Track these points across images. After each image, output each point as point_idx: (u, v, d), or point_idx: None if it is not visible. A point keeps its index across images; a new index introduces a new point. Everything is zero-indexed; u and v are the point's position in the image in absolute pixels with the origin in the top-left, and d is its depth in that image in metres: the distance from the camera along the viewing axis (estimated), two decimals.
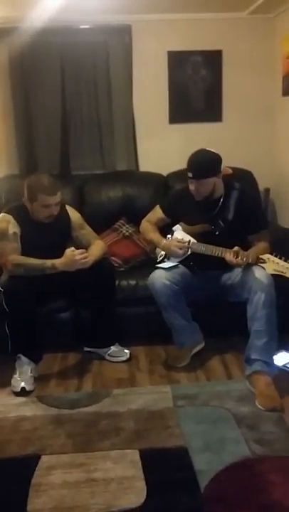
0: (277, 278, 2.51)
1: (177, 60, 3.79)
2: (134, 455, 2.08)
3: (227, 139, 3.77)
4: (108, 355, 2.97)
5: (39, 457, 2.10)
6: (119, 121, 3.88)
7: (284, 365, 2.69)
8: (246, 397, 2.48)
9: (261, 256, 2.55)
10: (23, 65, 3.67)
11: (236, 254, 2.57)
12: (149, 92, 3.83)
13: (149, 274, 2.82)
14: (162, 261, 2.90)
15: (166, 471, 1.99)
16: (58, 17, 3.29)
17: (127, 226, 3.47)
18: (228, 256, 2.60)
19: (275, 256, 2.51)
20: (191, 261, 2.81)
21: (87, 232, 2.99)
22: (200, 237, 2.80)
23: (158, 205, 3.07)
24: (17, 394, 2.63)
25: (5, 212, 2.80)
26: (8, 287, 2.63)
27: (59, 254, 2.66)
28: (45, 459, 2.09)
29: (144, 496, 1.85)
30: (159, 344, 3.09)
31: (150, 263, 3.04)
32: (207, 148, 2.73)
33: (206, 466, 1.99)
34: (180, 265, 2.81)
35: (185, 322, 2.82)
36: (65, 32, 3.66)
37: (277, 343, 2.58)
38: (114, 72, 3.80)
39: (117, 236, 3.43)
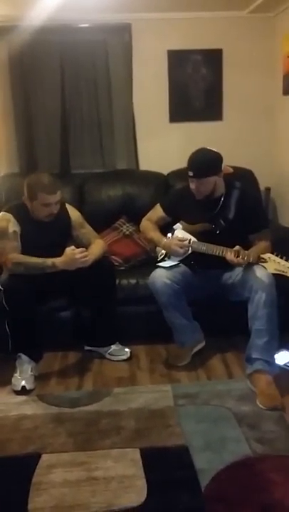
0: (278, 277, 2.51)
1: (177, 59, 3.79)
2: (135, 454, 2.08)
3: (227, 138, 3.76)
4: (109, 354, 2.97)
5: (40, 456, 2.10)
6: (119, 120, 3.88)
7: (285, 364, 2.69)
8: (247, 396, 2.48)
9: (262, 255, 2.55)
10: (22, 64, 3.67)
11: (237, 254, 2.57)
12: (149, 90, 3.83)
13: (149, 273, 2.82)
14: (163, 260, 2.90)
15: (167, 469, 1.99)
16: (58, 16, 3.29)
17: (128, 225, 3.47)
18: (229, 255, 2.59)
19: (276, 255, 2.51)
20: (192, 260, 2.80)
21: (87, 231, 2.99)
22: (201, 236, 2.79)
23: (158, 204, 3.07)
24: (17, 393, 2.62)
25: (5, 211, 2.80)
26: (8, 286, 2.63)
27: (59, 253, 2.65)
28: (45, 458, 2.09)
29: (145, 495, 1.85)
30: (159, 343, 3.09)
31: (150, 262, 3.04)
32: (208, 147, 2.73)
33: (206, 465, 1.99)
34: (181, 264, 2.81)
35: (186, 321, 2.82)
36: (65, 31, 3.65)
37: (278, 342, 2.58)
38: (114, 71, 3.79)
39: (118, 235, 3.43)
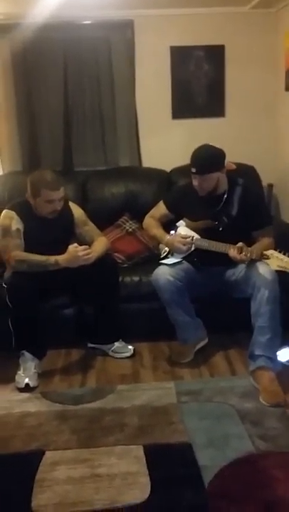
0: (281, 274, 2.50)
1: (180, 55, 3.78)
2: (138, 451, 2.09)
3: (230, 134, 3.76)
4: (112, 351, 2.97)
5: (43, 453, 2.11)
6: (122, 116, 3.87)
7: (287, 361, 2.69)
8: (250, 392, 2.48)
9: (265, 252, 2.55)
10: (25, 61, 3.67)
11: (240, 250, 2.56)
12: (152, 87, 3.82)
13: (152, 271, 2.81)
14: (166, 257, 2.90)
15: (170, 466, 2.00)
16: (60, 13, 3.29)
17: (131, 222, 3.47)
18: (232, 252, 2.59)
19: (279, 252, 2.50)
20: (195, 257, 2.80)
21: (90, 228, 2.99)
22: (203, 232, 2.79)
23: (161, 201, 3.07)
24: (21, 390, 2.63)
25: (8, 209, 2.80)
26: (11, 283, 2.63)
27: (62, 251, 2.65)
28: (49, 455, 2.09)
29: (148, 492, 1.85)
30: (162, 340, 3.09)
31: (154, 259, 3.04)
32: (210, 144, 2.72)
33: (209, 461, 1.99)
34: (184, 261, 2.81)
35: (189, 318, 2.82)
36: (67, 28, 3.64)
37: (280, 339, 2.57)
38: (117, 68, 3.79)
39: (121, 232, 3.42)
